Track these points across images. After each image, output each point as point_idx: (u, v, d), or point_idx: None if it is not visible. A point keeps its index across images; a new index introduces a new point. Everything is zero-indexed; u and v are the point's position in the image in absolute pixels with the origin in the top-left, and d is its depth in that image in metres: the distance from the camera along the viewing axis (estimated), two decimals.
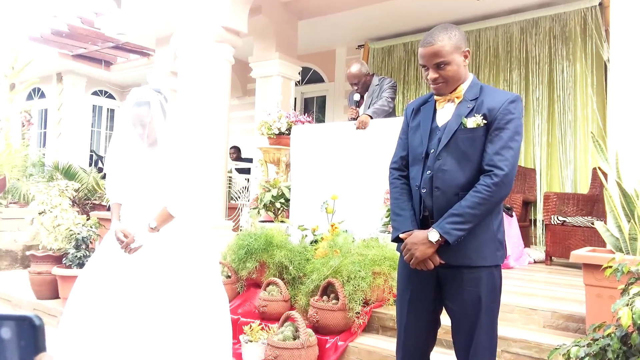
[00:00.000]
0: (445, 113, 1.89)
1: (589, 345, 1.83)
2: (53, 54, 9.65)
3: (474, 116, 1.80)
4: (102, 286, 2.53)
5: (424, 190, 1.86)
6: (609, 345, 1.76)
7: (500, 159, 1.74)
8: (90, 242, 4.40)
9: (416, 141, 1.93)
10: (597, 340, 1.82)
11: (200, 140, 5.09)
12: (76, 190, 5.78)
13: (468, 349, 1.84)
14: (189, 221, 2.72)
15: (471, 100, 1.84)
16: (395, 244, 1.96)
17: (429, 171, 1.85)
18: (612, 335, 1.79)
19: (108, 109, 11.27)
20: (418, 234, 1.80)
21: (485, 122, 1.79)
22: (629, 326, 1.69)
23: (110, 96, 11.27)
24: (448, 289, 1.87)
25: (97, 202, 6.57)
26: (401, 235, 1.87)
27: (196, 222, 2.80)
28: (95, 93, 10.99)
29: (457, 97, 1.87)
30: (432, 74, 1.84)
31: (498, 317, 1.90)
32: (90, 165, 10.02)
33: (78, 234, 4.29)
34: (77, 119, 10.54)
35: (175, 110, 2.85)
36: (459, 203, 1.76)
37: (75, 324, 2.49)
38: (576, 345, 1.85)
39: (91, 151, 10.79)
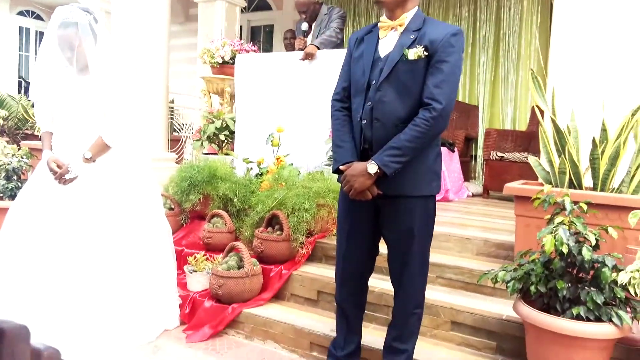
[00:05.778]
0: (388, 43, 1.88)
1: (514, 270, 1.97)
2: None
3: (416, 47, 1.79)
4: (37, 218, 2.44)
5: (364, 122, 1.87)
6: (532, 269, 1.89)
7: (440, 93, 1.76)
8: (22, 172, 4.19)
9: (358, 72, 1.92)
10: (523, 265, 1.96)
11: (138, 68, 4.81)
12: (4, 119, 5.42)
13: (402, 275, 1.96)
14: (127, 152, 2.62)
15: (414, 31, 1.84)
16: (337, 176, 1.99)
17: (370, 102, 1.85)
18: (536, 260, 1.92)
19: (37, 31, 10.39)
20: (357, 166, 1.83)
21: (427, 54, 1.78)
22: (551, 252, 1.82)
23: (39, 17, 10.36)
24: (385, 219, 1.94)
25: (28, 132, 6.20)
26: (341, 167, 1.89)
27: (135, 153, 2.70)
28: (21, 13, 10.06)
29: (400, 25, 1.86)
30: None
31: (431, 245, 2.00)
32: (19, 92, 9.35)
33: (8, 164, 4.05)
34: (2, 41, 9.69)
35: (108, 33, 2.66)
36: (398, 136, 1.78)
37: (9, 257, 2.41)
38: (503, 270, 1.98)
39: (20, 77, 10.03)
